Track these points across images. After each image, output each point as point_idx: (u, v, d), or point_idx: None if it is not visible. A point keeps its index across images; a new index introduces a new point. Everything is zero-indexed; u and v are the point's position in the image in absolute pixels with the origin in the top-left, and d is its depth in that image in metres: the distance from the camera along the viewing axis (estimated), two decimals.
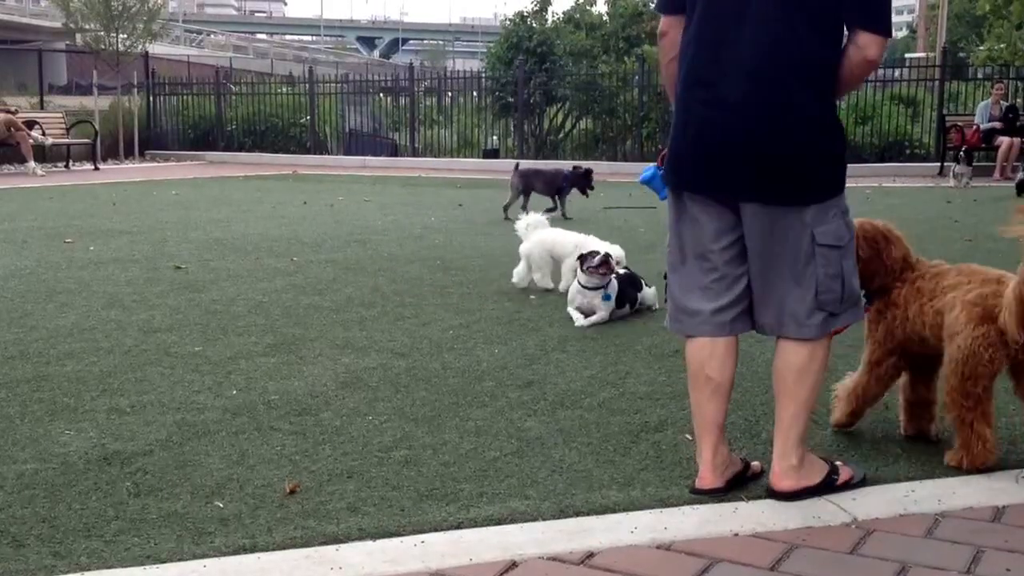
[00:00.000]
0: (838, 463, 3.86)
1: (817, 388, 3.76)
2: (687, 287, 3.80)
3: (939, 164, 20.80)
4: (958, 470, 3.96)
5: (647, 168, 4.60)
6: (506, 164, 23.56)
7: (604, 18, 29.14)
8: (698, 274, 3.77)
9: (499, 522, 3.52)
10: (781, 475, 3.71)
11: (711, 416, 3.79)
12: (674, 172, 3.77)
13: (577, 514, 3.58)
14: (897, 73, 24.75)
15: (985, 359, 3.85)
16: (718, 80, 3.58)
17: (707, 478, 3.77)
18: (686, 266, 3.79)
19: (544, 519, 3.54)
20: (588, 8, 29.77)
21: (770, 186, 3.57)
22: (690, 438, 4.28)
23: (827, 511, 3.58)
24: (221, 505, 3.66)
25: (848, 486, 3.78)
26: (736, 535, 3.41)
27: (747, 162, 3.56)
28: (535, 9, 28.33)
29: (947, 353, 3.97)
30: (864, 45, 3.52)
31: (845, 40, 3.58)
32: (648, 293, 7.08)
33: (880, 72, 24.25)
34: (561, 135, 26.63)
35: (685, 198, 3.76)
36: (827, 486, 3.74)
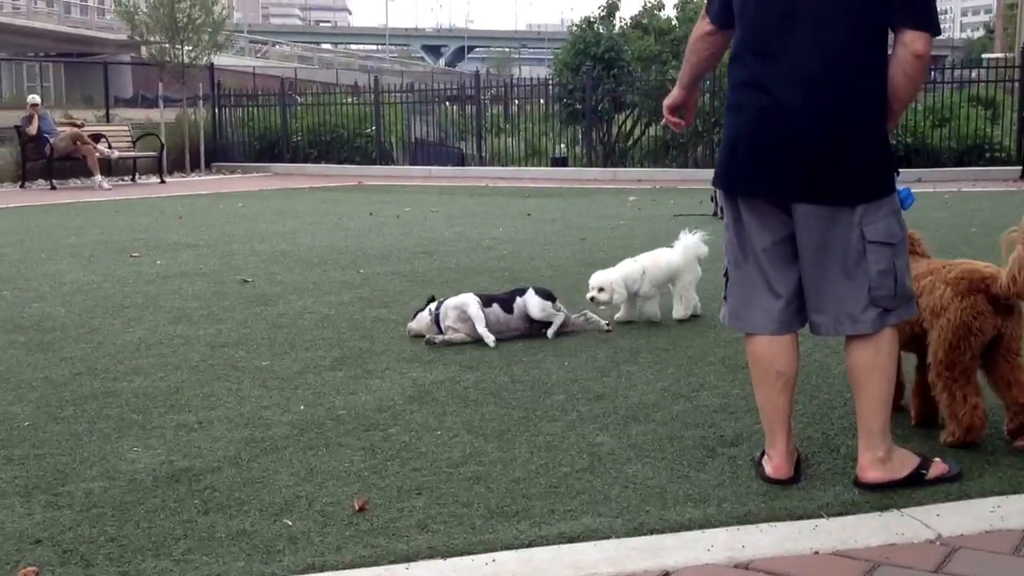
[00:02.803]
0: (936, 460, 3.90)
1: (890, 381, 3.84)
2: (747, 285, 3.94)
3: (1020, 168, 20.36)
4: (954, 447, 4.13)
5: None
6: (574, 173, 23.59)
7: (673, 23, 28.84)
8: (756, 273, 3.90)
9: (571, 540, 3.45)
10: (867, 467, 3.81)
11: (784, 408, 3.94)
12: (725, 176, 3.91)
13: (651, 531, 3.51)
14: (975, 74, 24.33)
15: (975, 327, 4.04)
16: (771, 85, 3.70)
17: (783, 467, 3.92)
18: (746, 265, 3.95)
19: (618, 536, 3.47)
20: (656, 13, 29.54)
21: (820, 187, 3.69)
22: None
23: (911, 528, 3.48)
24: (290, 523, 3.63)
25: (942, 480, 3.83)
26: (816, 553, 3.32)
27: (798, 164, 3.69)
28: (602, 15, 28.16)
29: (934, 330, 4.13)
30: (909, 42, 3.61)
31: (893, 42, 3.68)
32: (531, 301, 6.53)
33: (957, 73, 23.93)
34: (630, 142, 26.48)
35: (738, 201, 3.89)
36: (915, 479, 3.81)
